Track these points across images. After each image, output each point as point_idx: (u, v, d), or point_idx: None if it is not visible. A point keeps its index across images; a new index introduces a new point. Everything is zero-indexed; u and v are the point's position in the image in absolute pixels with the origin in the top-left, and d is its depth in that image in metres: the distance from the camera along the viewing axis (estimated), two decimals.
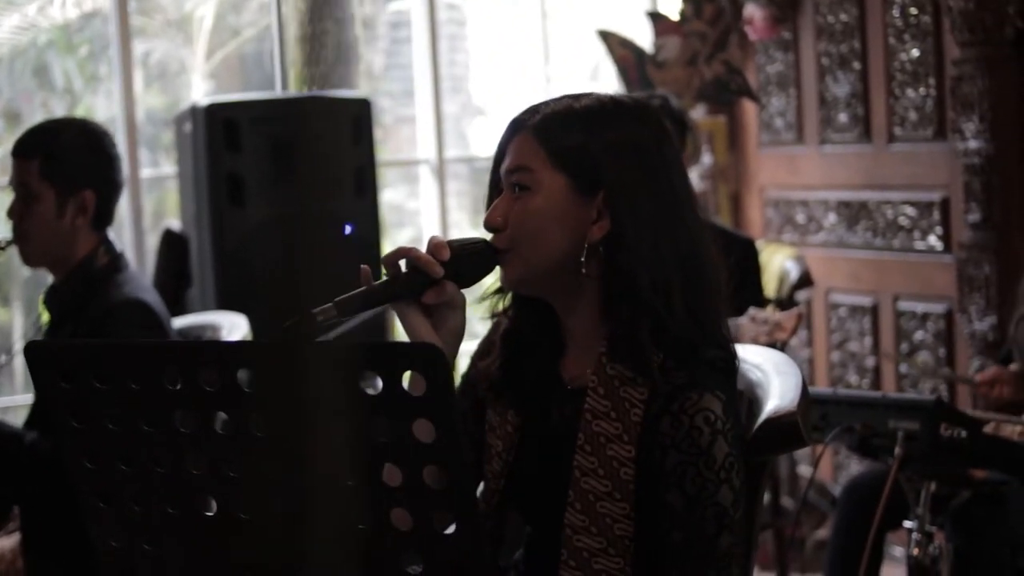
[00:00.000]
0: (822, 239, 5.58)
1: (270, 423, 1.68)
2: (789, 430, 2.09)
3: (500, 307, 2.15)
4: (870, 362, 5.32)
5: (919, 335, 5.05)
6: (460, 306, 2.00)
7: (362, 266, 1.93)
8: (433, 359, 1.57)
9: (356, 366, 1.63)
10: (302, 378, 1.66)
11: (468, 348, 2.20)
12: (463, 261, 1.99)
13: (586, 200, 2.00)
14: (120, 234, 5.66)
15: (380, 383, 1.60)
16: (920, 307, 5.05)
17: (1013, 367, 3.70)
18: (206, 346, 2.09)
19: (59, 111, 7.49)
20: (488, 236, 2.05)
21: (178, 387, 1.72)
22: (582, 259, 1.99)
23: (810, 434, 2.14)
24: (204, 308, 4.80)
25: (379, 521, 1.66)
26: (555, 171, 2.00)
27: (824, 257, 5.52)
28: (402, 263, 1.98)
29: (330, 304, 1.87)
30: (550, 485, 2.02)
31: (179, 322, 3.70)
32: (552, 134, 2.01)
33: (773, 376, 2.20)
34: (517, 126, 2.05)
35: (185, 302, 5.06)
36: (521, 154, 2.02)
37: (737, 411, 2.02)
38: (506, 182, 2.04)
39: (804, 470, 5.59)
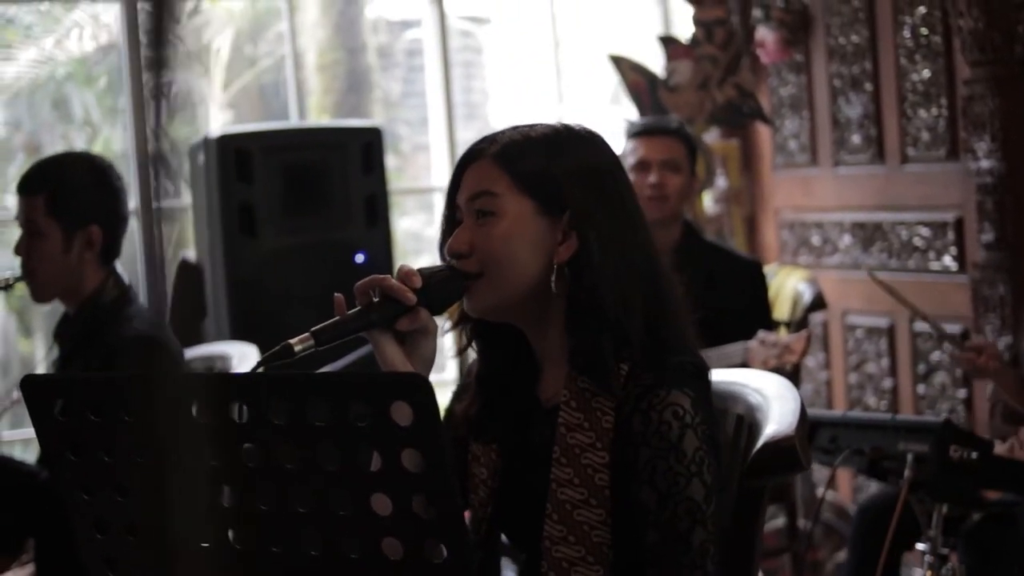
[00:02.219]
0: (837, 261, 5.57)
1: (259, 453, 1.68)
2: (787, 454, 2.10)
3: (462, 341, 2.19)
4: (888, 383, 5.30)
5: (935, 356, 5.04)
6: (433, 332, 2.04)
7: (336, 295, 1.97)
8: (420, 389, 1.58)
9: (345, 396, 1.63)
10: (294, 408, 1.67)
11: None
12: (434, 288, 2.02)
13: (552, 222, 2.05)
14: (135, 265, 5.69)
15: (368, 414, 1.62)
16: None
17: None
18: (197, 379, 2.10)
19: (79, 143, 7.55)
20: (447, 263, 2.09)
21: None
22: (552, 279, 2.03)
23: (808, 458, 2.15)
24: (219, 338, 4.82)
25: (370, 551, 1.66)
26: (520, 195, 2.04)
27: (840, 279, 5.51)
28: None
29: (307, 334, 1.90)
30: (534, 506, 2.05)
31: (190, 353, 3.72)
32: (514, 159, 2.05)
33: (773, 400, 2.21)
34: (474, 155, 2.09)
35: (201, 332, 5.07)
36: (484, 180, 2.06)
37: (710, 411, 2.04)
38: (468, 209, 2.07)
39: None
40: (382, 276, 1.99)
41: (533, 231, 2.04)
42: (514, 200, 2.04)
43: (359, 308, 1.98)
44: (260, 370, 1.96)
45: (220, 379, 1.94)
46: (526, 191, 2.04)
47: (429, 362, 2.04)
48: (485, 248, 2.04)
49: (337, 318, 1.95)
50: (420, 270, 2.02)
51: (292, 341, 1.88)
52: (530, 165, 2.05)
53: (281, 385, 1.70)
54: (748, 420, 2.22)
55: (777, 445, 2.10)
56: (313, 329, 1.91)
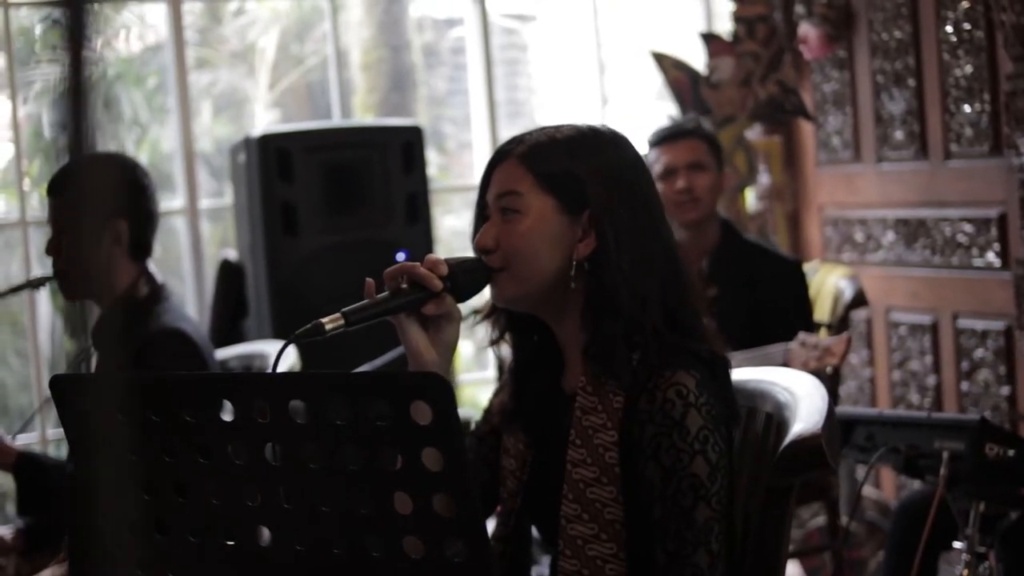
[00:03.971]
0: (881, 257, 5.54)
1: (283, 453, 1.70)
2: (813, 453, 2.10)
3: (494, 334, 2.29)
4: (931, 381, 5.27)
5: (979, 353, 5.01)
6: (456, 319, 2.12)
7: (367, 279, 2.06)
8: (439, 388, 1.60)
9: (365, 396, 1.65)
10: (315, 407, 1.68)
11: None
12: (459, 277, 2.11)
13: (572, 219, 2.14)
14: (180, 264, 5.73)
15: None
16: (980, 324, 5.00)
17: None
18: (222, 378, 2.12)
19: (127, 143, 7.61)
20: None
21: (196, 418, 1.76)
22: (571, 274, 2.12)
23: (836, 457, 2.15)
24: (260, 337, 4.85)
25: (392, 549, 1.68)
26: (543, 193, 2.13)
27: (883, 275, 5.48)
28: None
29: (338, 314, 1.99)
30: (557, 495, 2.11)
31: (229, 352, 3.75)
32: (538, 160, 2.15)
33: (801, 399, 2.21)
34: (502, 155, 2.19)
35: (243, 331, 5.11)
36: (509, 180, 2.15)
37: (723, 395, 2.12)
38: (495, 207, 2.17)
39: (869, 491, 5.56)
40: (411, 263, 2.08)
41: (554, 228, 2.13)
42: (537, 198, 2.13)
43: (388, 292, 2.06)
44: (291, 347, 2.02)
45: (241, 379, 1.96)
46: (549, 190, 2.13)
47: (451, 347, 2.12)
48: (508, 244, 2.13)
49: (366, 301, 2.04)
50: (447, 260, 2.11)
51: (323, 320, 1.97)
52: (553, 165, 2.14)
53: (302, 384, 1.72)
54: (777, 418, 2.23)
55: (803, 443, 2.10)
56: (343, 310, 2.00)
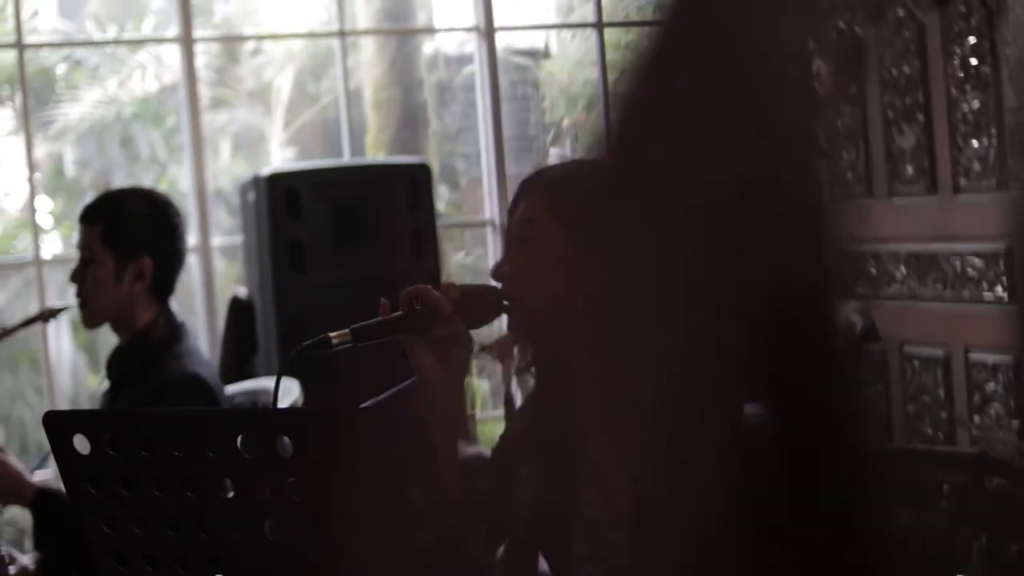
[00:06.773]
0: (894, 291, 5.54)
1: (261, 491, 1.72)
2: None
3: (521, 363, 2.28)
4: (944, 414, 5.26)
5: (991, 386, 5.00)
6: (466, 344, 2.13)
7: (382, 300, 2.09)
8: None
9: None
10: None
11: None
12: (470, 303, 2.12)
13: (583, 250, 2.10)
14: (193, 300, 5.76)
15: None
16: (991, 358, 4.99)
17: None
18: (213, 415, 2.15)
19: (146, 181, 7.67)
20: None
21: (185, 455, 1.78)
22: (579, 305, 2.09)
23: None
24: (269, 373, 4.86)
25: None
26: (556, 223, 2.13)
27: (896, 309, 5.48)
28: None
29: (346, 330, 2.02)
30: (567, 529, 2.11)
31: (235, 388, 3.77)
32: (555, 191, 2.15)
33: None
34: (526, 186, 2.21)
35: (253, 368, 5.12)
36: (527, 209, 2.17)
37: None
38: (515, 236, 2.18)
39: None
40: (425, 286, 2.10)
41: (564, 259, 2.12)
42: (548, 228, 2.13)
43: (399, 313, 2.08)
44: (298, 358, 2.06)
45: (228, 415, 1.98)
46: (561, 220, 2.13)
47: (461, 372, 2.13)
48: (520, 272, 2.15)
49: (378, 319, 2.07)
50: (462, 286, 2.12)
51: (331, 335, 2.01)
52: (568, 197, 2.14)
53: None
54: None
55: None
56: (353, 327, 2.03)
